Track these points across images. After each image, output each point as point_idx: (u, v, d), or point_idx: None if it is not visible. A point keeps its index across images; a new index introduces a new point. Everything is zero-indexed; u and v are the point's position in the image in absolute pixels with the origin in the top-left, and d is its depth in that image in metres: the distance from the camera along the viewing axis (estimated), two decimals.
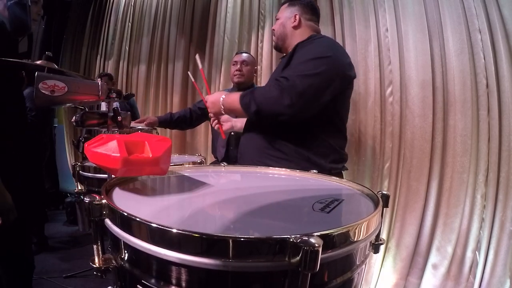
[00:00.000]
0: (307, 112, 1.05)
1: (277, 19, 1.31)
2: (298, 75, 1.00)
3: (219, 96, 1.14)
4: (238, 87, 2.04)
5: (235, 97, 1.09)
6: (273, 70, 2.19)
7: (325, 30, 2.10)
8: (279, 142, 1.12)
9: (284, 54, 1.31)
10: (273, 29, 1.32)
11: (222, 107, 1.13)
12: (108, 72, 3.63)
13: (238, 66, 2.00)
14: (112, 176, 0.70)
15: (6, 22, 1.31)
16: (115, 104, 1.08)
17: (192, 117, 2.22)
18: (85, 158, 1.68)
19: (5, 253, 1.33)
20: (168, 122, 2.21)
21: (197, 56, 1.33)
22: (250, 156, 1.19)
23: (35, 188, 1.36)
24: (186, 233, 0.37)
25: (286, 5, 1.29)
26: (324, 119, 1.13)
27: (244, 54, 2.07)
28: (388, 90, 1.86)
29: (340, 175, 1.19)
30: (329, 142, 1.14)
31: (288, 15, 1.26)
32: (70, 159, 3.87)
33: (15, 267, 1.37)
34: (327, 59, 1.05)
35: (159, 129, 2.24)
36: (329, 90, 1.06)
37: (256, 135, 1.17)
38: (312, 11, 1.27)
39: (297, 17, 1.24)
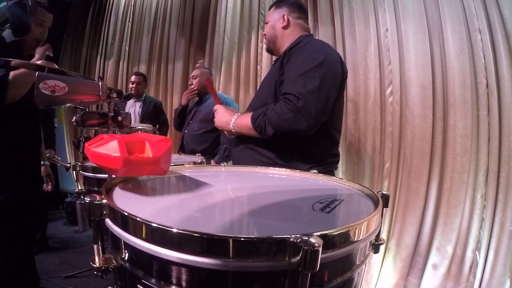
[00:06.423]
0: (322, 121, 1.07)
1: (266, 23, 1.33)
2: (307, 91, 1.00)
3: (231, 118, 1.15)
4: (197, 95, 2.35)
5: (247, 119, 1.10)
6: None
7: (325, 30, 2.10)
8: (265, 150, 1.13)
9: (277, 57, 1.31)
10: (264, 34, 1.34)
11: (233, 128, 1.15)
12: (108, 72, 3.63)
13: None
14: (113, 176, 0.70)
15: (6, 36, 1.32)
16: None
17: None
18: (85, 158, 1.69)
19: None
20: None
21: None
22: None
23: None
24: (187, 233, 0.37)
25: (273, 8, 1.31)
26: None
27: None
28: (388, 90, 1.86)
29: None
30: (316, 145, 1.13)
31: (276, 17, 1.27)
32: (70, 159, 3.87)
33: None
34: (323, 64, 1.06)
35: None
36: (334, 94, 1.09)
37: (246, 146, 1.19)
38: (299, 10, 1.28)
39: (285, 17, 1.25)
